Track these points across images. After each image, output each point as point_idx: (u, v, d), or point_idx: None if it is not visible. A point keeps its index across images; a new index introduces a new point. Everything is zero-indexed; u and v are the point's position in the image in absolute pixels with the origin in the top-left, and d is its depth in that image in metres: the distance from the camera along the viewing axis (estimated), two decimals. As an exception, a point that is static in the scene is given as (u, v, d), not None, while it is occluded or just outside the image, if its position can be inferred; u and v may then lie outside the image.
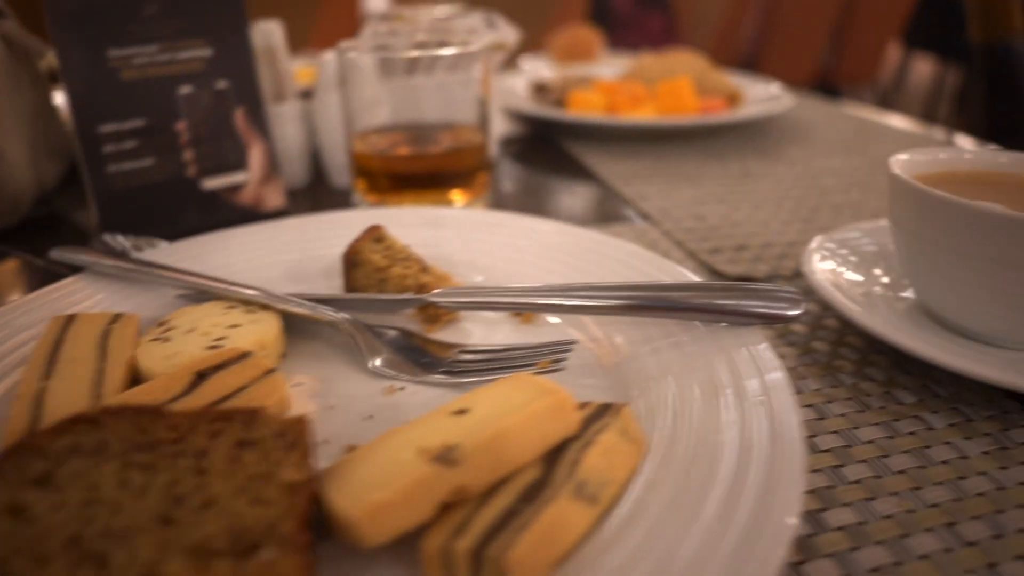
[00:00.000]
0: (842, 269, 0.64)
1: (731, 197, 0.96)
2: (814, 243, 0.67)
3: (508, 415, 0.37)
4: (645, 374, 0.49)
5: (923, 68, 3.85)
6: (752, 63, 3.51)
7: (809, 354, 0.59)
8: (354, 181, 0.87)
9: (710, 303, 0.50)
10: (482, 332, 0.59)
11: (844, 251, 0.67)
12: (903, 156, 0.61)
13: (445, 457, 0.36)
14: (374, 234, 0.61)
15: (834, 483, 0.45)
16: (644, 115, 1.23)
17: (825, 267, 0.63)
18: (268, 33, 0.95)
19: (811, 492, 0.45)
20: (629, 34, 3.57)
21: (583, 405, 0.42)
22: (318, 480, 0.38)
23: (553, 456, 0.38)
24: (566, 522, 0.35)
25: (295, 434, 0.39)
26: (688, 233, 0.84)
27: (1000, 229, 0.50)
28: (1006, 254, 0.51)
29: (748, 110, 1.27)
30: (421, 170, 0.85)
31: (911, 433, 0.50)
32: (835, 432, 0.50)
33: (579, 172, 1.10)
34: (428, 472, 0.35)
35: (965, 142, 1.25)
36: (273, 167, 0.87)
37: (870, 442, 0.49)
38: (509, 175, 1.10)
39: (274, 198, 0.87)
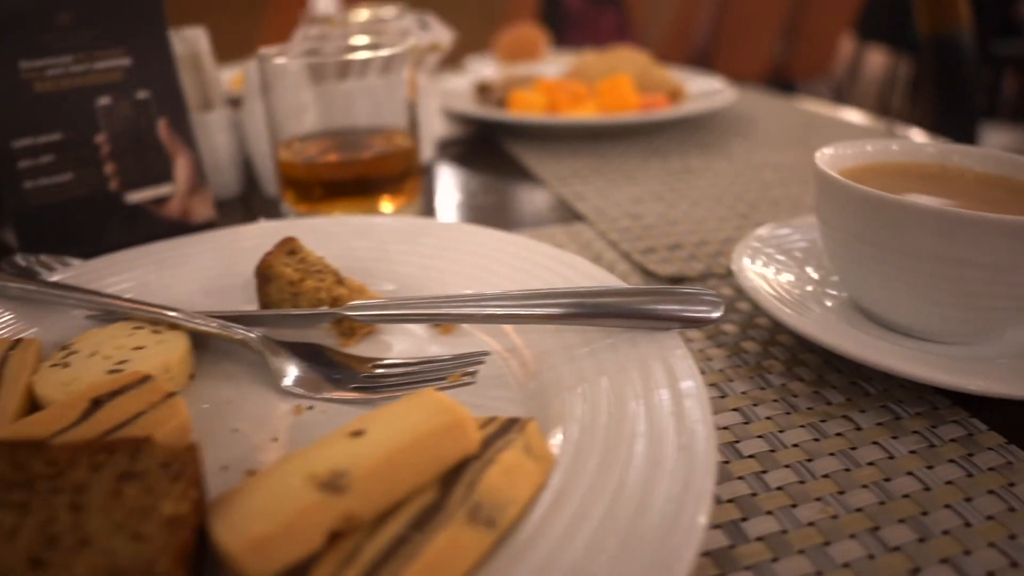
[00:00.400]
0: (773, 267, 0.63)
1: (670, 194, 0.95)
2: (745, 241, 0.66)
3: (400, 436, 0.35)
4: (558, 385, 0.47)
5: (876, 59, 3.88)
6: (706, 59, 3.52)
7: (739, 355, 0.58)
8: (281, 191, 0.84)
9: (629, 308, 0.48)
10: (401, 344, 0.56)
11: (773, 249, 0.66)
12: (828, 150, 0.60)
13: (333, 483, 0.34)
14: (287, 246, 0.59)
15: (756, 490, 0.44)
16: (584, 113, 1.21)
17: (756, 266, 0.62)
18: (192, 40, 0.92)
19: (732, 501, 0.43)
20: (581, 32, 3.56)
21: (488, 421, 0.40)
22: (207, 511, 0.36)
23: (451, 478, 0.36)
24: (459, 548, 0.33)
25: (181, 463, 0.37)
26: (623, 233, 0.82)
27: (924, 223, 0.49)
28: (931, 248, 0.49)
29: (689, 106, 1.26)
30: (347, 177, 0.82)
31: (838, 434, 0.49)
32: (760, 436, 0.48)
33: (519, 173, 1.08)
34: (315, 500, 0.33)
35: (915, 134, 1.25)
36: (200, 178, 0.84)
37: (796, 445, 0.48)
38: (447, 178, 1.08)
39: (202, 210, 0.85)
